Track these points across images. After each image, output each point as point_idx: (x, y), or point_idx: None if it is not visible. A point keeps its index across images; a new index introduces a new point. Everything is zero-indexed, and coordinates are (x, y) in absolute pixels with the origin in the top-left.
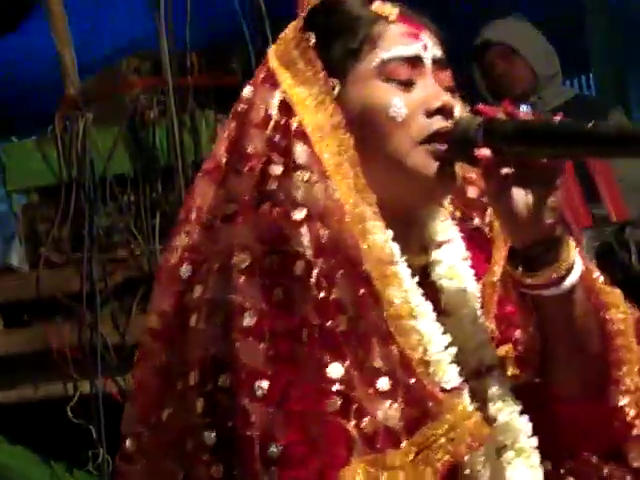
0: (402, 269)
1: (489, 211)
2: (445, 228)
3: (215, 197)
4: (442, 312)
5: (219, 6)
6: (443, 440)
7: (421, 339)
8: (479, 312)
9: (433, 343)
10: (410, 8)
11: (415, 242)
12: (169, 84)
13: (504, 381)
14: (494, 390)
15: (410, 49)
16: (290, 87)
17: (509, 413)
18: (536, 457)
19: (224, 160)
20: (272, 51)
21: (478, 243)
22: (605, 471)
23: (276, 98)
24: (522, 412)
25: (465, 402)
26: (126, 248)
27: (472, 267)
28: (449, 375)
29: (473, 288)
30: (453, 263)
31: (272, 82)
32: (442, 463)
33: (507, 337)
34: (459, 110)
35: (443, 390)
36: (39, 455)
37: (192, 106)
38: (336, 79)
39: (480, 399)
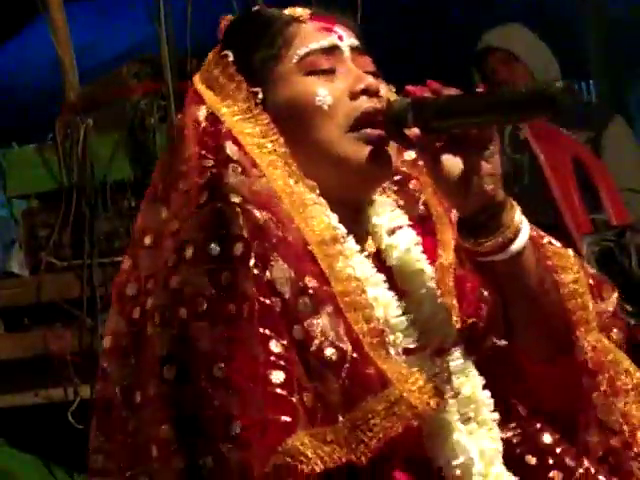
0: (349, 246)
1: (423, 196)
2: (395, 216)
3: (157, 216)
4: (400, 294)
5: (219, 11)
6: (380, 417)
7: (374, 310)
8: (437, 292)
9: (389, 309)
10: (325, 8)
11: (362, 228)
12: (169, 89)
13: (466, 356)
14: (457, 365)
15: (325, 40)
16: (215, 103)
17: (472, 387)
18: (497, 429)
19: (161, 185)
20: (196, 76)
21: (425, 230)
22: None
23: (203, 111)
24: (484, 387)
25: (418, 374)
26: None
27: (424, 252)
28: (408, 338)
29: (428, 270)
30: (407, 247)
31: (198, 101)
32: (377, 439)
33: (471, 312)
34: (384, 91)
35: (406, 352)
36: (40, 459)
37: None
38: (259, 87)
39: (444, 375)
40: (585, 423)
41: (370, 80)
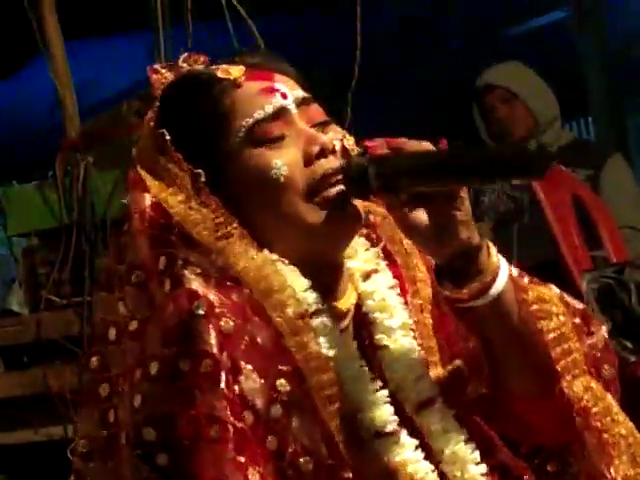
0: (322, 322)
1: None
2: (369, 257)
3: (115, 309)
4: (377, 347)
5: (220, 47)
6: None
7: (349, 392)
8: (413, 343)
9: (364, 391)
10: (253, 48)
11: (342, 280)
12: None
13: (446, 411)
14: (437, 423)
15: (270, 105)
16: (159, 191)
17: (455, 444)
18: None
19: (117, 278)
20: (136, 156)
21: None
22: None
23: (148, 201)
24: (467, 440)
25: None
26: None
27: (401, 291)
28: (383, 419)
29: (404, 317)
30: (382, 295)
31: (142, 187)
32: None
33: (455, 353)
34: (335, 136)
35: (378, 434)
36: None
37: None
38: (203, 165)
39: (424, 432)
40: (581, 453)
41: (322, 139)
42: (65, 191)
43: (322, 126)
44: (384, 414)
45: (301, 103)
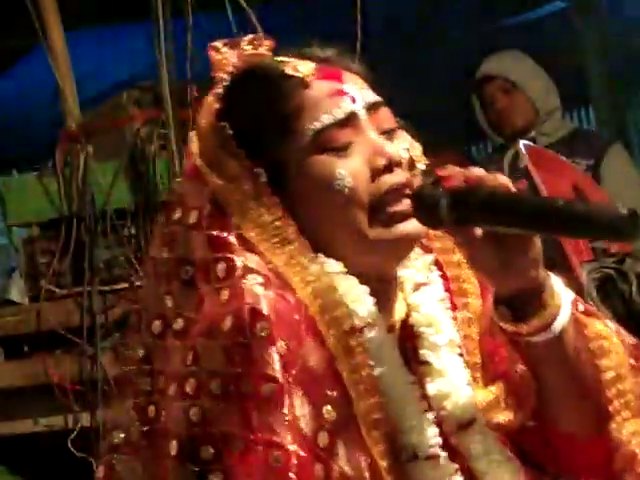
0: (371, 335)
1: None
2: (421, 267)
3: (161, 301)
4: (421, 363)
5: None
6: None
7: (395, 411)
8: (458, 361)
9: (410, 412)
10: (326, 41)
11: (393, 289)
12: (169, 117)
13: (487, 432)
14: (478, 444)
15: (339, 110)
16: (218, 187)
17: (497, 466)
18: None
19: (166, 269)
20: (195, 146)
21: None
22: None
23: (206, 197)
24: (509, 462)
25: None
26: (127, 281)
27: (450, 305)
28: (425, 441)
29: (451, 333)
30: (430, 308)
31: (200, 179)
32: None
33: (497, 373)
34: (403, 145)
35: (418, 456)
36: None
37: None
38: (264, 164)
39: (465, 453)
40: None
41: (389, 152)
42: (65, 181)
43: (390, 133)
44: (427, 437)
45: (370, 108)
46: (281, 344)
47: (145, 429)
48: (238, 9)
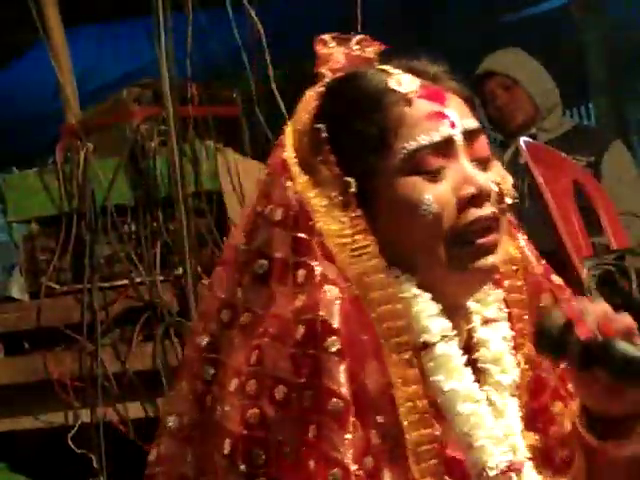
0: (450, 351)
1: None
2: (491, 301)
3: (233, 291)
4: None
5: (219, 36)
6: None
7: (461, 428)
8: (516, 404)
9: (482, 427)
10: (432, 57)
11: (460, 313)
12: (170, 114)
13: (535, 477)
14: None
15: (437, 134)
16: (305, 188)
17: None
18: None
19: (243, 259)
20: (288, 138)
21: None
22: None
23: (293, 198)
24: None
25: None
26: (127, 277)
27: (513, 343)
28: (497, 458)
29: (515, 375)
30: (498, 346)
31: (288, 177)
32: None
33: (536, 428)
34: (494, 177)
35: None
36: None
37: (192, 136)
38: (354, 174)
39: None
40: None
41: (480, 184)
42: (65, 178)
43: (484, 163)
44: (499, 453)
45: (468, 134)
46: (350, 362)
47: (199, 418)
48: (238, 5)
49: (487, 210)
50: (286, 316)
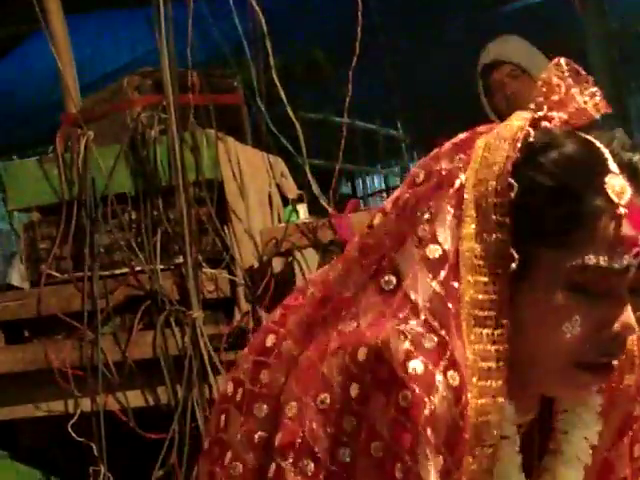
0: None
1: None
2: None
3: (341, 289)
4: (546, 469)
5: (220, 24)
6: None
7: None
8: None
9: None
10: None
11: (530, 398)
12: (170, 102)
13: None
14: None
15: (621, 262)
16: (468, 239)
17: None
18: None
19: (371, 265)
20: (475, 159)
21: None
22: None
23: (455, 239)
24: None
25: None
26: (127, 266)
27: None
28: None
29: (587, 460)
30: (575, 453)
31: (457, 215)
32: None
33: None
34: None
35: None
36: (40, 472)
37: (193, 124)
38: (519, 254)
39: None
40: None
41: (626, 322)
42: (66, 166)
43: (635, 294)
44: None
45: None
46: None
47: (251, 390)
48: None
49: (619, 348)
50: (390, 366)
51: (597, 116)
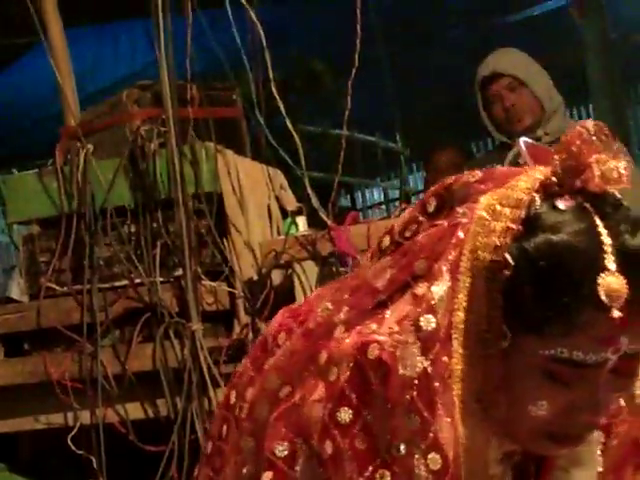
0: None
1: None
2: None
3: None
4: None
5: (219, 37)
6: None
7: None
8: None
9: None
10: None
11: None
12: (169, 115)
13: None
14: None
15: (594, 357)
16: (461, 310)
17: None
18: None
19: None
20: (478, 222)
21: None
22: None
23: (462, 303)
24: None
25: None
26: (127, 279)
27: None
28: None
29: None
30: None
31: (452, 285)
32: None
33: None
34: (619, 396)
35: None
36: None
37: (192, 137)
38: (509, 331)
39: None
40: None
41: (599, 410)
42: (65, 179)
43: (617, 375)
44: None
45: (625, 357)
46: None
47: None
48: (238, 7)
49: (593, 430)
50: (394, 391)
51: (614, 191)
